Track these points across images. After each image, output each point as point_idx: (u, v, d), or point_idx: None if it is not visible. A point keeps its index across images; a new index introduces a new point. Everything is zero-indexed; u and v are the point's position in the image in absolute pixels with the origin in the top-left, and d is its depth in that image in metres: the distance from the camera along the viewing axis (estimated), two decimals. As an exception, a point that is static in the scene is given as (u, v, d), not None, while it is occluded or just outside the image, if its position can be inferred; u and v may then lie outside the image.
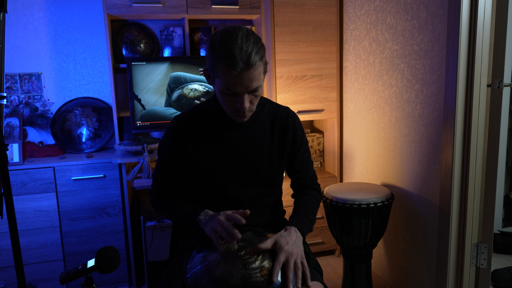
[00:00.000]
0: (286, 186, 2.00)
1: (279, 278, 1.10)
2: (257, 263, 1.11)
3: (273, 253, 1.16)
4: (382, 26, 2.23)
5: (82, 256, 2.42)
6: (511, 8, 2.46)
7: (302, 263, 1.15)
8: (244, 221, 1.13)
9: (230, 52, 1.10)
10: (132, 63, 2.42)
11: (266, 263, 1.12)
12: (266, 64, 1.20)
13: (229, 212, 1.17)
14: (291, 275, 1.10)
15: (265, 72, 1.20)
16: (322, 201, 2.15)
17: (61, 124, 2.66)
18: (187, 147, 1.32)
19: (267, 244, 1.15)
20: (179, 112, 2.50)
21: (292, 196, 1.49)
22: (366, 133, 2.45)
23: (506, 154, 3.00)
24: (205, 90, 2.56)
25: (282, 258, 1.12)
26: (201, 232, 1.25)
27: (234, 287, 1.06)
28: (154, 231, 2.31)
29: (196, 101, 2.51)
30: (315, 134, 2.90)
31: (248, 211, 1.16)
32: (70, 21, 2.68)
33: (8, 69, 2.61)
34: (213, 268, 1.10)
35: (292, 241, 1.17)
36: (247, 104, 1.18)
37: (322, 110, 2.66)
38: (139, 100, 2.46)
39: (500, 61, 1.71)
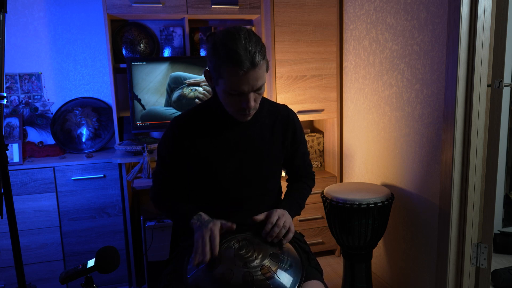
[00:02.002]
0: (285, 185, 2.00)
1: (279, 277, 1.10)
2: (258, 261, 1.11)
3: (273, 253, 1.16)
4: (382, 26, 2.23)
5: (82, 256, 2.42)
6: (511, 8, 2.46)
7: (289, 227, 1.22)
8: (216, 252, 1.12)
9: (236, 53, 1.11)
10: (132, 63, 2.42)
11: (266, 262, 1.12)
12: (267, 62, 1.22)
13: (218, 226, 1.17)
14: (274, 232, 1.19)
15: (267, 70, 1.22)
16: (322, 201, 2.16)
17: (61, 124, 2.66)
18: (187, 148, 1.32)
19: (261, 216, 1.23)
20: (179, 112, 2.50)
21: (286, 180, 1.54)
22: (366, 133, 2.45)
23: (506, 154, 3.00)
24: (204, 90, 2.56)
25: (275, 216, 1.21)
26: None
27: (235, 286, 1.06)
28: (154, 231, 2.31)
29: (196, 100, 2.51)
30: (315, 134, 2.90)
31: (234, 226, 1.19)
32: (70, 21, 2.68)
33: (8, 69, 2.61)
34: (213, 267, 1.11)
35: (282, 212, 1.25)
36: (252, 103, 1.20)
37: (322, 110, 2.67)
38: (139, 100, 2.46)
39: (500, 61, 1.72)
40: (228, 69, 1.13)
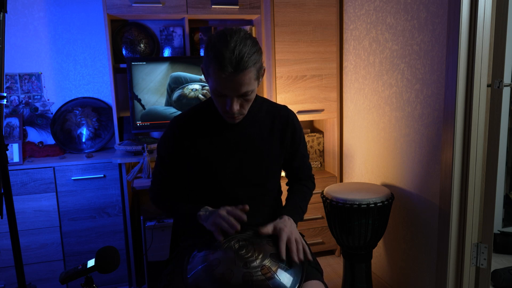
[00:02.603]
0: (285, 186, 2.00)
1: (279, 277, 1.10)
2: (258, 261, 1.11)
3: (273, 253, 1.16)
4: (382, 26, 2.23)
5: (82, 256, 2.42)
6: (511, 8, 2.46)
7: (300, 241, 1.22)
8: (245, 218, 1.18)
9: (221, 55, 1.11)
10: (132, 63, 2.42)
11: (266, 262, 1.12)
12: (260, 69, 1.19)
13: (229, 208, 1.21)
14: (294, 249, 1.18)
15: (258, 77, 1.19)
16: (322, 201, 2.16)
17: (61, 124, 2.66)
18: (187, 147, 1.32)
19: (268, 228, 1.22)
20: (179, 112, 2.50)
21: (287, 184, 1.54)
22: (366, 133, 2.45)
23: (506, 154, 3.00)
24: (205, 90, 2.56)
25: (284, 237, 1.19)
26: (200, 231, 1.25)
27: (235, 286, 1.06)
28: (154, 231, 2.31)
29: (200, 96, 2.51)
30: (315, 134, 2.90)
31: (247, 207, 1.21)
32: (70, 21, 2.68)
33: (8, 69, 2.61)
34: (214, 267, 1.11)
35: (288, 225, 1.24)
36: (236, 107, 1.19)
37: (322, 110, 2.67)
38: (139, 100, 2.46)
39: (500, 61, 1.72)
40: (213, 70, 1.14)
